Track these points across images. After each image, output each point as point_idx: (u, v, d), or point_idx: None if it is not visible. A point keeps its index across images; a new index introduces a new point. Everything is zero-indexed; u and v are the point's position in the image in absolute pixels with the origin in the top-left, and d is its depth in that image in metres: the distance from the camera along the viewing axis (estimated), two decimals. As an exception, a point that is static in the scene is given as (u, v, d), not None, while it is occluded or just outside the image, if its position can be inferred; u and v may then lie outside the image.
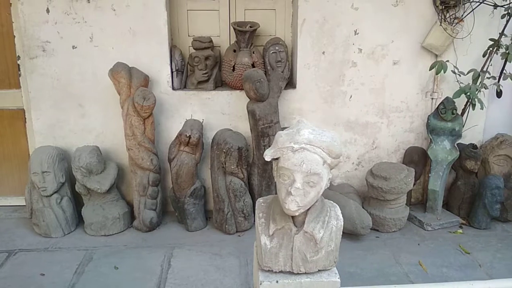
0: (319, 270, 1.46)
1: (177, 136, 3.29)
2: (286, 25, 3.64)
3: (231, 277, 2.79)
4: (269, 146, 3.34)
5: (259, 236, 1.47)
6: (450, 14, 3.38)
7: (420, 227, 3.46)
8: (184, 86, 3.58)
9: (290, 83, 3.64)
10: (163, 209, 3.53)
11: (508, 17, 3.21)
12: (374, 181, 3.34)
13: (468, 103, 3.37)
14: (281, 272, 1.45)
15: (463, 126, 3.47)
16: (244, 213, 3.33)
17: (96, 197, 3.36)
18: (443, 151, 3.39)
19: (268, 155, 1.41)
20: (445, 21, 3.37)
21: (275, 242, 1.45)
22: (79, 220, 3.43)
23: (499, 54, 3.30)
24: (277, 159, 1.42)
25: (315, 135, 1.38)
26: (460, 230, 3.40)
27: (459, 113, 3.43)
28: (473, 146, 3.45)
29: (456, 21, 3.36)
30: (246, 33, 3.39)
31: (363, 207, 3.43)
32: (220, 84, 3.65)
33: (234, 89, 3.52)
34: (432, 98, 3.60)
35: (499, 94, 3.60)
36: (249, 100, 3.34)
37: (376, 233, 3.38)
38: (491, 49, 3.30)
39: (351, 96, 3.58)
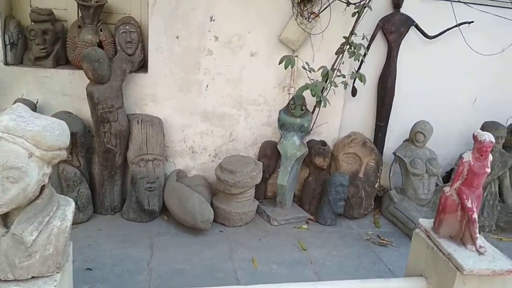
0: (33, 277, 1.27)
1: (-1, 117, 2.94)
2: (143, 5, 3.40)
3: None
4: (110, 133, 3.17)
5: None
6: (307, 8, 3.33)
7: (267, 222, 3.42)
8: (20, 62, 3.22)
9: (145, 67, 3.42)
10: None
11: (358, 15, 3.22)
12: (222, 174, 3.23)
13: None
14: (-12, 278, 1.25)
15: (314, 123, 3.47)
16: (79, 204, 3.07)
17: None
18: (292, 147, 3.37)
19: None
20: (301, 15, 3.32)
21: (-20, 245, 1.24)
22: None
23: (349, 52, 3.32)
24: None
25: (19, 122, 1.19)
26: (305, 226, 3.41)
27: (310, 110, 3.42)
28: (322, 143, 3.47)
29: (312, 16, 3.33)
30: (90, 8, 3.10)
31: (212, 201, 3.33)
32: (65, 62, 3.33)
33: (78, 68, 3.22)
34: (289, 93, 3.55)
35: (353, 92, 3.65)
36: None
37: (221, 227, 3.29)
38: (342, 47, 3.31)
39: (207, 86, 3.44)
